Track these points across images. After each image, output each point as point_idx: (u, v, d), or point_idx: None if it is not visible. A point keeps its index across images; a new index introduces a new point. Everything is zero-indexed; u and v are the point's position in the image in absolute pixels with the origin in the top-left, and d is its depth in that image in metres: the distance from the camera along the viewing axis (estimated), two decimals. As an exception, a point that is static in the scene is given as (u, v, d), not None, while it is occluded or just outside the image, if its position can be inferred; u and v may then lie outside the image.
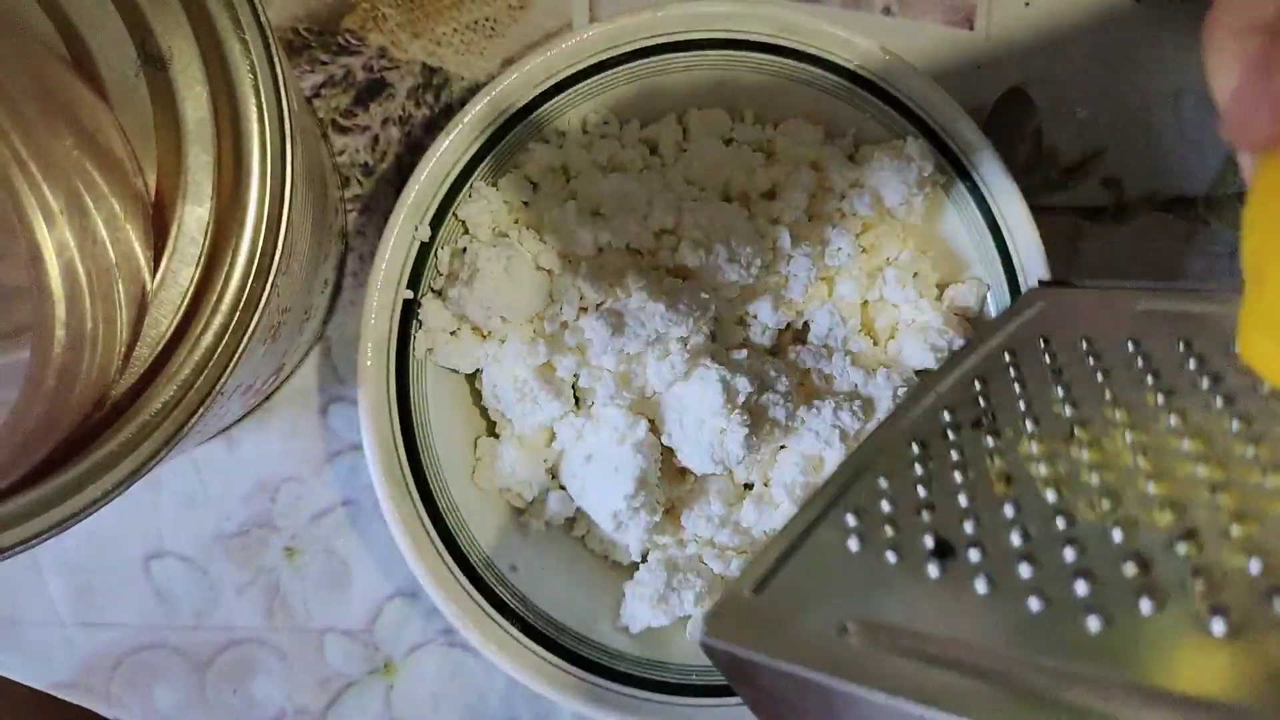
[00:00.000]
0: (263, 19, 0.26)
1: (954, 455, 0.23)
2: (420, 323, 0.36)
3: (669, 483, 0.36)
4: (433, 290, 0.36)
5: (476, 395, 0.37)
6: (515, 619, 0.35)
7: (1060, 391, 0.24)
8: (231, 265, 0.25)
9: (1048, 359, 0.26)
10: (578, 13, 0.41)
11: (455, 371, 0.37)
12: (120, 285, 0.24)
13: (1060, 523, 0.20)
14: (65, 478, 0.24)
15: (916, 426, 0.24)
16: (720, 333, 0.37)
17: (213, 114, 0.26)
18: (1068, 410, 0.23)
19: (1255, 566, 0.17)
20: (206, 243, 0.26)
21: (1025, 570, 0.19)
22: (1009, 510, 0.21)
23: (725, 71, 0.37)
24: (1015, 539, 0.20)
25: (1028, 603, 0.18)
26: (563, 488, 0.37)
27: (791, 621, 0.19)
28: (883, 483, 0.23)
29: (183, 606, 0.39)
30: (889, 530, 0.21)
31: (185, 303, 0.25)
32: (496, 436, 0.37)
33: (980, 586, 0.19)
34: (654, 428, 0.36)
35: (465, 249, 0.36)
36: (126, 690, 0.39)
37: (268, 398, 0.40)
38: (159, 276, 0.25)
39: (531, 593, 0.35)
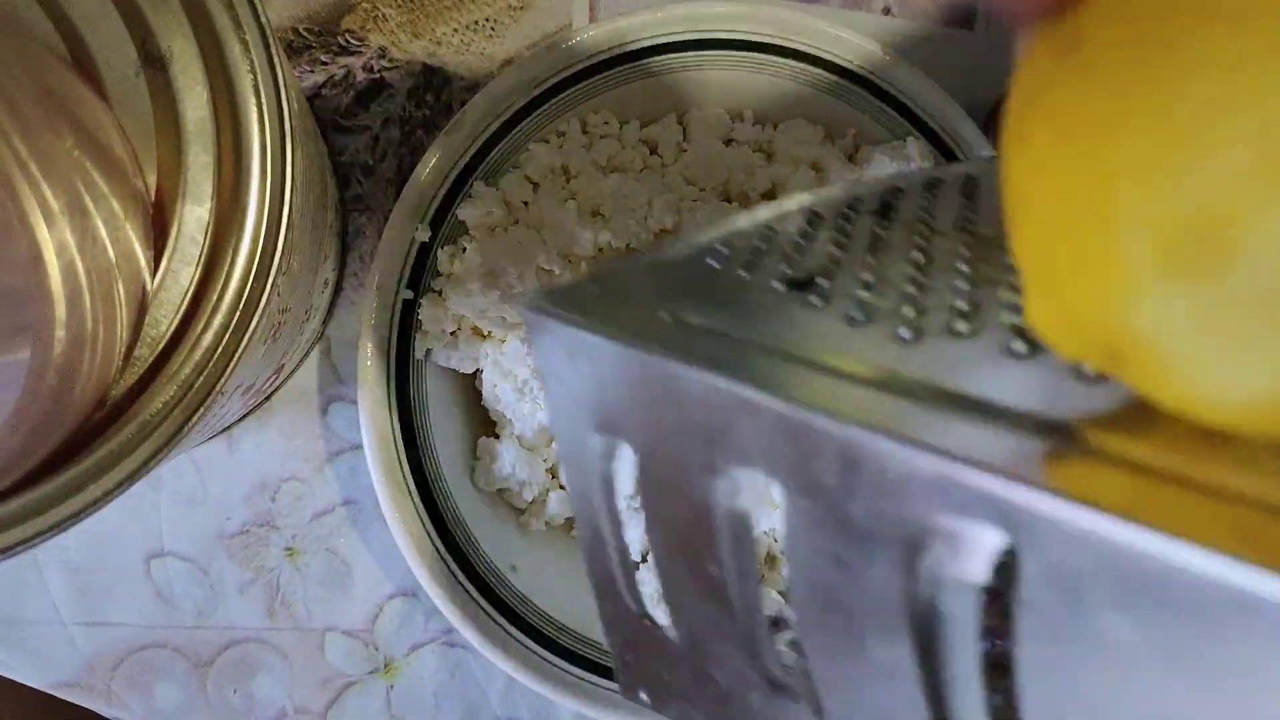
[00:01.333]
0: (263, 19, 0.26)
1: (841, 226, 0.23)
2: (420, 323, 0.36)
3: (669, 483, 0.36)
4: (432, 291, 0.36)
5: (476, 395, 0.37)
6: (515, 619, 0.35)
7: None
8: (231, 265, 0.25)
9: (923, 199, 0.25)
10: (578, 13, 0.41)
11: (455, 372, 0.37)
12: (120, 285, 0.24)
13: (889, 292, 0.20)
14: (65, 478, 0.24)
15: (817, 204, 0.24)
16: (720, 333, 0.37)
17: (213, 114, 0.26)
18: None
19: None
20: (206, 243, 0.26)
21: (859, 296, 0.19)
22: (867, 270, 0.21)
23: (725, 71, 0.37)
24: (863, 281, 0.20)
25: (850, 314, 0.19)
26: (563, 488, 0.37)
27: (618, 306, 0.19)
28: (766, 233, 0.22)
29: (183, 606, 0.40)
30: (751, 259, 0.21)
31: (185, 303, 0.26)
32: (496, 436, 0.37)
33: (817, 302, 0.19)
34: (654, 428, 0.36)
35: (465, 249, 0.36)
36: (127, 690, 0.39)
37: (268, 398, 0.40)
38: (159, 276, 0.25)
39: (531, 593, 0.35)
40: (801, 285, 0.19)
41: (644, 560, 0.37)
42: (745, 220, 0.22)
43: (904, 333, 0.17)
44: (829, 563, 0.16)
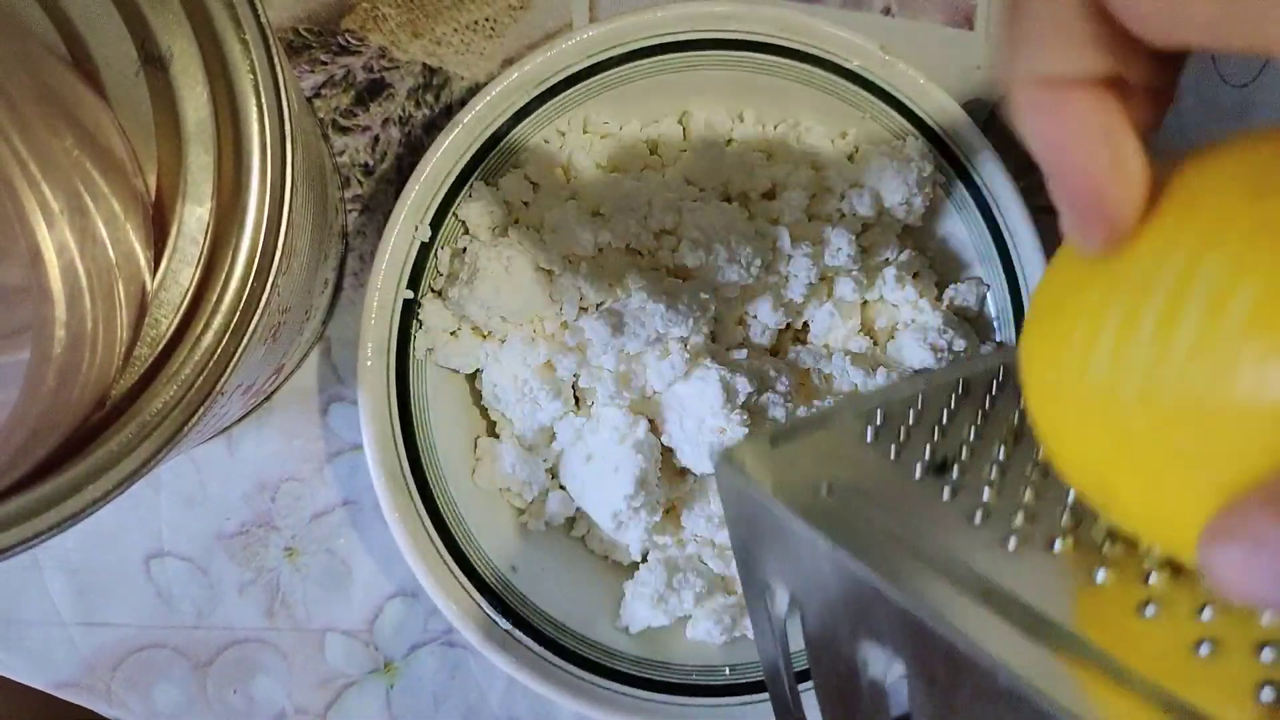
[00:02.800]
0: (263, 19, 0.26)
1: (974, 410, 0.26)
2: (420, 323, 0.36)
3: (669, 483, 0.36)
4: (433, 290, 0.36)
5: (476, 395, 0.37)
6: (515, 619, 0.35)
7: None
8: (231, 265, 0.25)
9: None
10: (578, 13, 0.41)
11: (455, 371, 0.37)
12: (120, 285, 0.24)
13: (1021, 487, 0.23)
14: (65, 478, 0.24)
15: (959, 379, 0.27)
16: (720, 333, 0.37)
17: (213, 114, 0.26)
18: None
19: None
20: (206, 243, 0.26)
21: (986, 495, 0.22)
22: (998, 457, 0.23)
23: (725, 71, 0.37)
24: (988, 479, 0.23)
25: (974, 516, 0.21)
26: (563, 488, 0.37)
27: (788, 470, 0.22)
28: (915, 406, 0.25)
29: (183, 606, 0.39)
30: (902, 433, 0.24)
31: (185, 303, 0.25)
32: (496, 436, 0.37)
33: (947, 494, 0.22)
34: (654, 428, 0.36)
35: (465, 249, 0.36)
36: (127, 690, 0.39)
37: (268, 398, 0.40)
38: (159, 276, 0.25)
39: (531, 593, 0.35)
40: (940, 469, 0.23)
41: (644, 560, 0.37)
42: (907, 389, 0.25)
43: (1011, 544, 0.20)
44: None
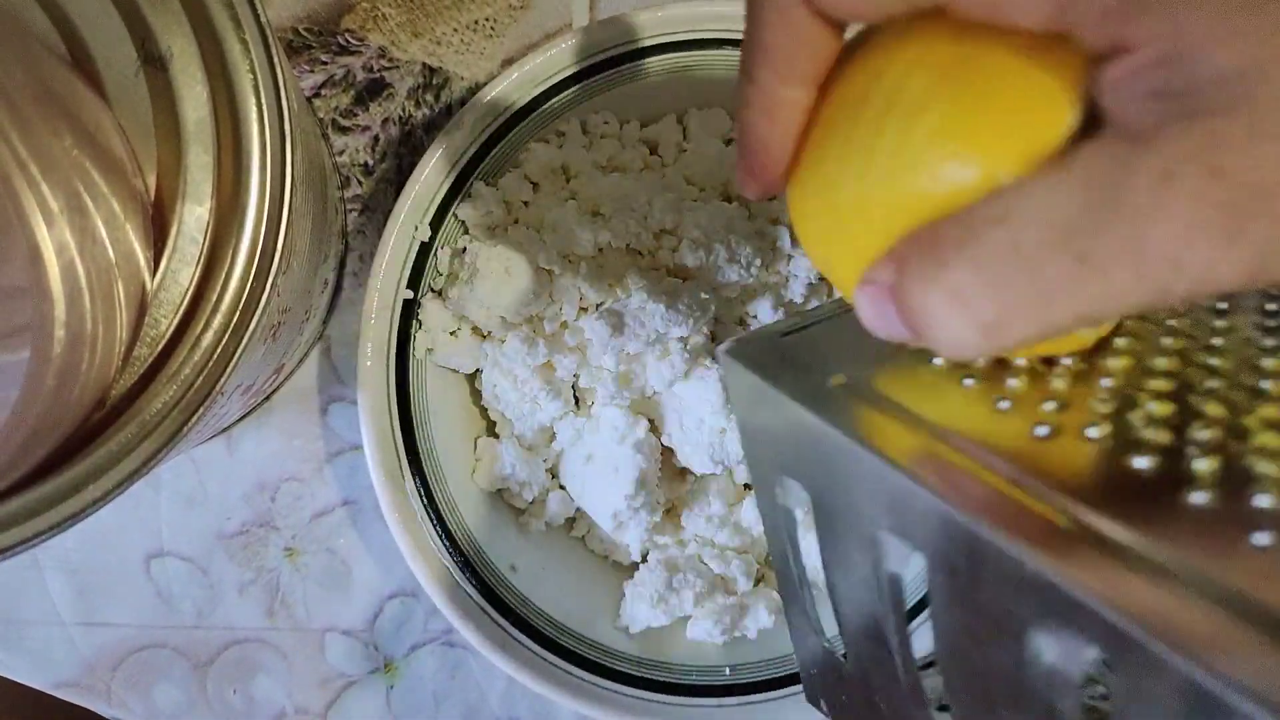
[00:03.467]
0: (263, 19, 0.26)
1: None
2: (420, 323, 0.36)
3: (669, 483, 0.36)
4: (433, 290, 0.36)
5: (476, 395, 0.37)
6: (515, 619, 0.35)
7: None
8: (231, 265, 0.25)
9: None
10: (578, 13, 0.41)
11: (455, 371, 0.37)
12: (120, 285, 0.24)
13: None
14: (65, 478, 0.24)
15: None
16: (720, 333, 0.37)
17: (213, 114, 0.26)
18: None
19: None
20: (206, 243, 0.26)
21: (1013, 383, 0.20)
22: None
23: (725, 71, 0.37)
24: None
25: (998, 403, 0.19)
26: (563, 488, 0.37)
27: (799, 361, 0.21)
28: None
29: (183, 606, 0.39)
30: None
31: (185, 303, 0.25)
32: (496, 436, 0.37)
33: (1003, 405, 0.20)
34: (654, 428, 0.36)
35: (465, 249, 0.36)
36: (127, 690, 0.39)
37: (268, 398, 0.40)
38: (159, 276, 0.25)
39: (531, 593, 0.35)
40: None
41: (644, 560, 0.37)
42: None
43: (1041, 430, 0.19)
44: (965, 633, 0.18)
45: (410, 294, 0.35)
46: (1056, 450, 0.18)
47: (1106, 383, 0.20)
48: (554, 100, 0.36)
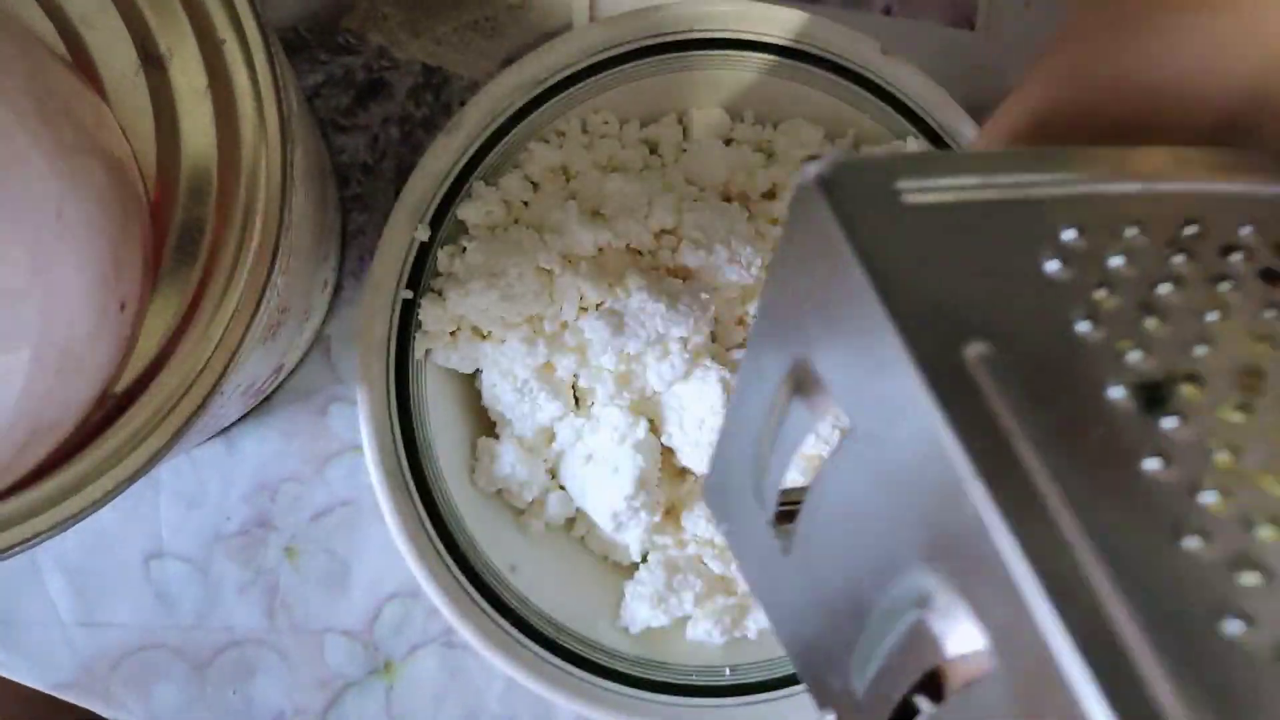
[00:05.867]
0: (263, 19, 0.26)
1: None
2: (420, 323, 0.36)
3: (669, 483, 0.36)
4: (432, 290, 0.36)
5: (476, 395, 0.37)
6: (515, 619, 0.35)
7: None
8: (231, 265, 0.25)
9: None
10: (578, 13, 0.41)
11: (455, 372, 0.37)
12: (120, 284, 0.24)
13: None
14: (65, 478, 0.24)
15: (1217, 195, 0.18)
16: (720, 333, 0.37)
17: (213, 114, 0.26)
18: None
19: None
20: (206, 242, 0.26)
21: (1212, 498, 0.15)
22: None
23: (725, 71, 0.37)
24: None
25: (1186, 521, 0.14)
26: (563, 488, 0.37)
27: (925, 274, 0.15)
28: (1130, 232, 0.17)
29: (183, 606, 0.39)
30: (1098, 293, 0.16)
31: (185, 303, 0.25)
32: (496, 437, 0.37)
33: (1153, 464, 0.14)
34: (654, 428, 0.36)
35: (465, 249, 0.36)
36: (126, 690, 0.39)
37: (268, 398, 0.40)
38: (159, 276, 0.25)
39: (531, 593, 0.35)
40: (1152, 400, 0.15)
41: (644, 560, 0.37)
42: (1117, 185, 0.17)
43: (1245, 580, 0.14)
44: (847, 499, 0.16)
45: (410, 294, 0.35)
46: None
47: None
48: (554, 100, 0.36)
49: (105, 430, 0.25)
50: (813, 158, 0.17)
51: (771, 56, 0.36)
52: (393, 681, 0.40)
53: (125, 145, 0.25)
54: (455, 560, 0.35)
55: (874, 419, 0.15)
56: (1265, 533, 0.14)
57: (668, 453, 0.36)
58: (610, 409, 0.35)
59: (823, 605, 0.18)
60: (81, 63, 0.25)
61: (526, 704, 0.40)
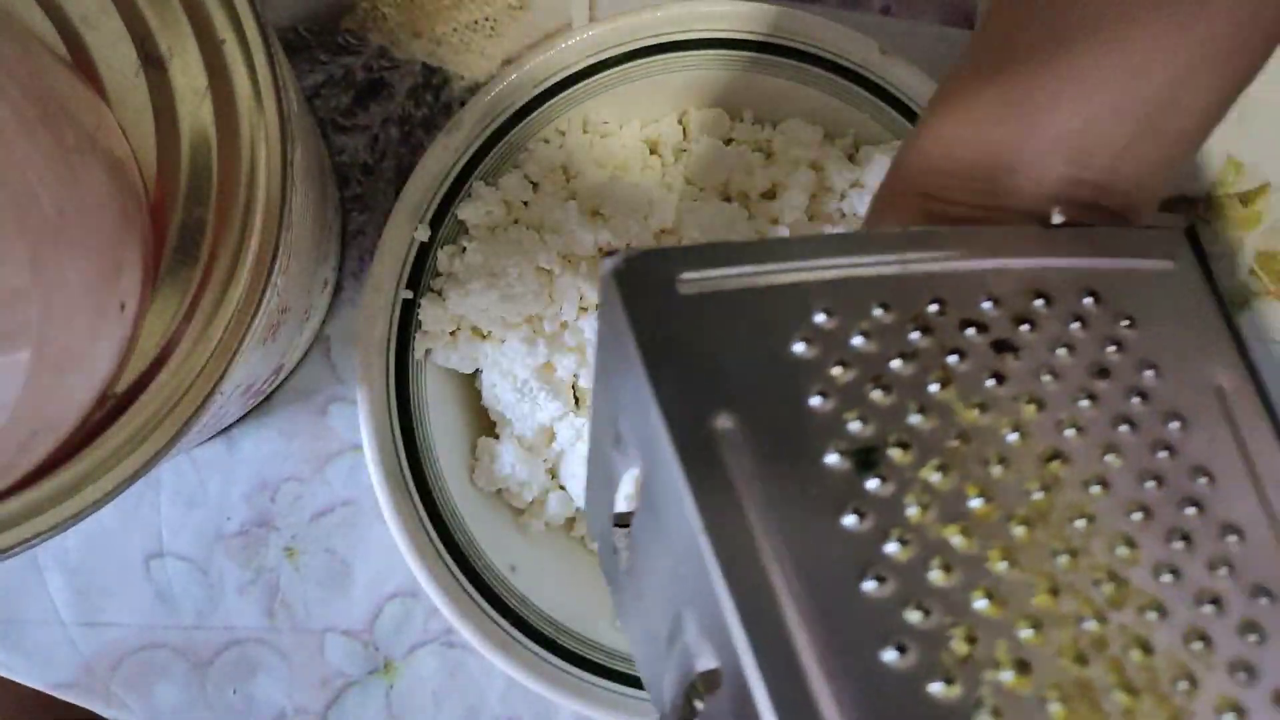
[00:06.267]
0: (263, 19, 0.26)
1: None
2: (420, 323, 0.36)
3: (669, 483, 0.36)
4: (432, 290, 0.36)
5: (476, 395, 0.37)
6: (515, 619, 0.35)
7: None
8: (231, 265, 0.25)
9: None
10: (578, 13, 0.41)
11: (455, 372, 0.37)
12: (119, 284, 0.24)
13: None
14: (65, 478, 0.24)
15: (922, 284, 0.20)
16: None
17: (213, 114, 0.26)
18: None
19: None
20: (206, 243, 0.26)
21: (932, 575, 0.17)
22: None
23: (725, 71, 0.37)
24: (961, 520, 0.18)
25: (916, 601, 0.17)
26: (563, 488, 0.37)
27: (691, 351, 0.17)
28: (877, 312, 0.19)
29: (183, 606, 0.39)
30: (840, 359, 0.18)
31: (185, 303, 0.25)
32: (496, 437, 0.37)
33: (851, 520, 0.17)
34: (654, 428, 0.36)
35: (465, 249, 0.36)
36: (127, 690, 0.39)
37: (267, 398, 0.40)
38: (159, 276, 0.25)
39: (531, 593, 0.35)
40: (864, 463, 0.17)
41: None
42: (868, 266, 0.19)
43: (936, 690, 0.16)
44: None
45: (410, 294, 0.35)
46: None
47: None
48: (554, 100, 0.36)
49: (105, 430, 0.25)
50: (612, 252, 0.20)
51: (770, 56, 0.36)
52: (393, 681, 0.40)
53: (125, 146, 0.25)
54: (455, 560, 0.35)
55: (649, 473, 0.18)
56: (935, 575, 0.17)
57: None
58: (610, 409, 0.35)
59: (646, 622, 0.21)
60: (81, 63, 0.25)
61: (527, 704, 0.40)
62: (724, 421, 0.17)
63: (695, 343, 0.18)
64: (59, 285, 0.22)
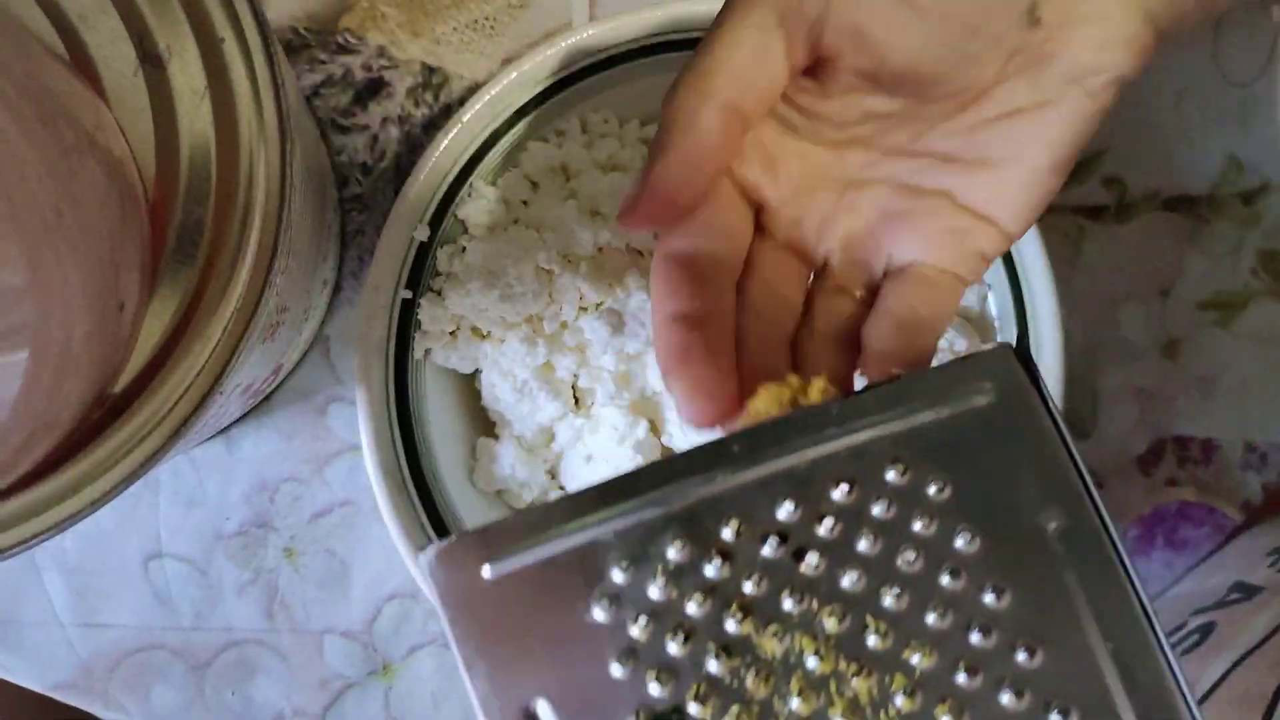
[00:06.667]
0: (262, 18, 0.26)
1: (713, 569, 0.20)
2: (419, 323, 0.36)
3: (669, 483, 0.36)
4: (431, 290, 0.36)
5: (476, 395, 0.37)
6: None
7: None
8: (231, 265, 0.25)
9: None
10: (578, 13, 0.41)
11: (455, 372, 0.37)
12: (119, 284, 0.24)
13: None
14: (65, 478, 0.24)
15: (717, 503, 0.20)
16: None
17: (212, 113, 0.26)
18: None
19: None
20: (206, 243, 0.26)
21: None
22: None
23: (725, 71, 0.37)
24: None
25: None
26: (563, 488, 0.37)
27: (502, 636, 0.19)
28: (671, 553, 0.20)
29: (182, 607, 0.39)
30: (647, 626, 0.19)
31: (184, 303, 0.25)
32: (496, 437, 0.37)
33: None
34: (654, 428, 0.36)
35: (465, 249, 0.36)
36: (125, 691, 0.39)
37: (267, 398, 0.40)
38: (158, 276, 0.25)
39: (531, 593, 0.35)
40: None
41: None
42: (660, 506, 0.20)
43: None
44: None
45: (409, 294, 0.35)
46: None
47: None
48: (554, 99, 0.36)
49: (105, 430, 0.25)
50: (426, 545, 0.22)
51: (771, 56, 0.36)
52: (392, 682, 0.40)
53: (124, 145, 0.25)
54: (455, 561, 0.34)
55: None
56: None
57: (667, 453, 0.36)
58: (610, 409, 0.35)
59: None
60: (80, 63, 0.25)
61: (526, 704, 0.40)
62: (537, 706, 0.19)
63: (505, 626, 0.19)
64: (57, 285, 0.22)
